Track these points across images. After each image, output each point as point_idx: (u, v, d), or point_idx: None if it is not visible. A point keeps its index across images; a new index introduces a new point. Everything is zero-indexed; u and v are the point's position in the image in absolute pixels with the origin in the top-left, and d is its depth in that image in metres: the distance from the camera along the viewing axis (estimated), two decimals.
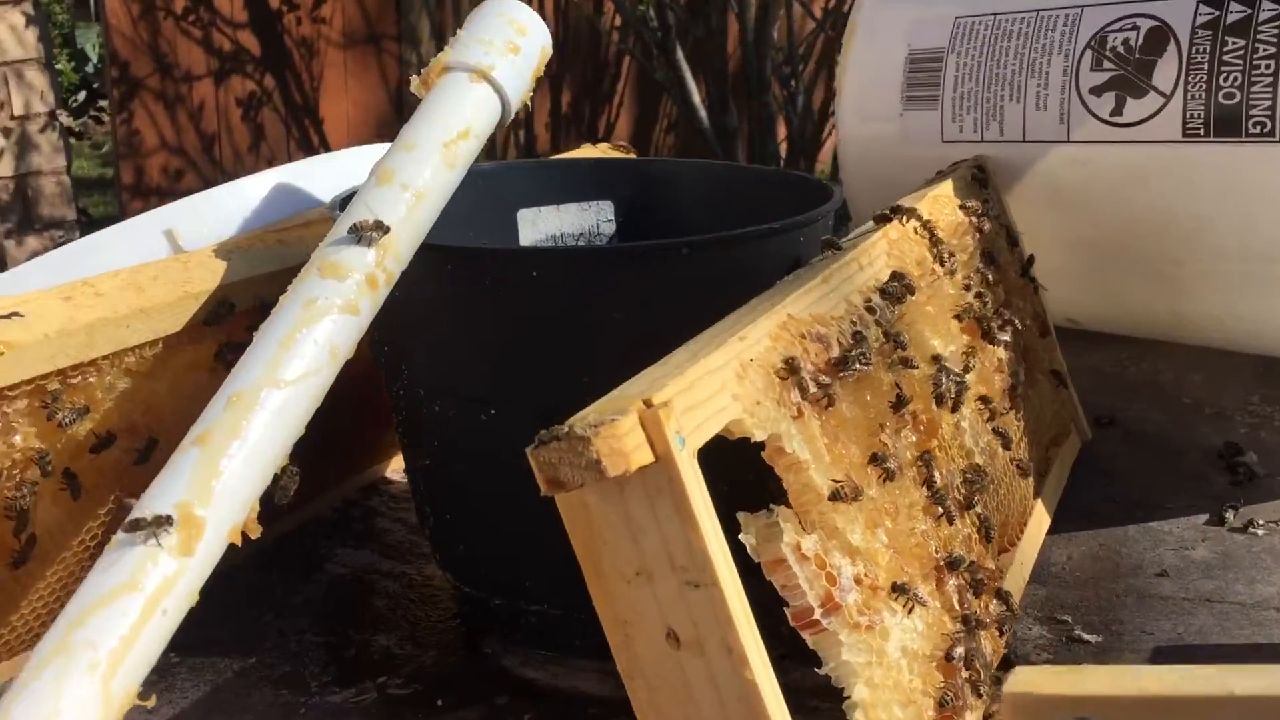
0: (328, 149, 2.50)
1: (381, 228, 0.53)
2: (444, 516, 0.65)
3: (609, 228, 0.80)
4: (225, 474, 0.46)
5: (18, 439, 0.56)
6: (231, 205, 0.68)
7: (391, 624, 0.69)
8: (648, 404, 0.38)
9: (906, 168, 0.88)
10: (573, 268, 0.57)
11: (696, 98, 2.74)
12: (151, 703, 0.44)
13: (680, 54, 2.66)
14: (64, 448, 0.58)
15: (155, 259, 0.63)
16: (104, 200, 3.64)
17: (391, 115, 2.53)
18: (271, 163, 2.51)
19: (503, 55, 0.61)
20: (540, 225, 0.79)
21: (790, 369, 0.45)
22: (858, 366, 0.49)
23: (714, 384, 0.42)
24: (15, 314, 0.54)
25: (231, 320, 0.64)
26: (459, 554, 0.66)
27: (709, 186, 0.78)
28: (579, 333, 0.57)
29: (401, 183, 0.56)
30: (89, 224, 2.45)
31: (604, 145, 0.95)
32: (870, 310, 0.55)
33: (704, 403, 0.41)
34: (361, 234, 0.53)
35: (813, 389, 0.46)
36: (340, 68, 2.50)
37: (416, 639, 0.68)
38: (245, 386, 0.48)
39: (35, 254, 2.23)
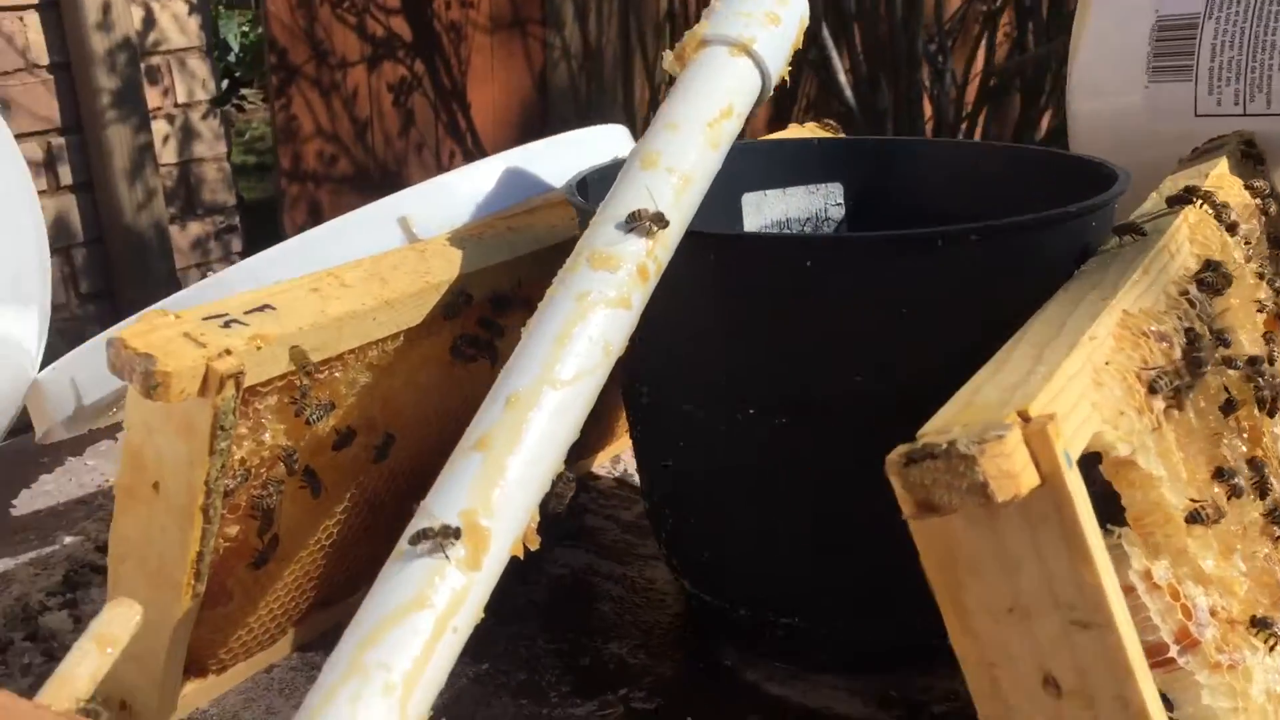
0: (475, 134, 2.50)
1: (661, 221, 0.49)
2: (685, 521, 0.62)
3: (837, 212, 0.75)
4: (508, 481, 0.43)
5: (267, 437, 0.54)
6: (462, 191, 0.65)
7: (621, 631, 0.66)
8: (1023, 417, 0.33)
9: (1150, 144, 0.80)
10: (849, 257, 0.52)
11: (842, 76, 2.65)
12: None
13: (825, 31, 2.58)
14: (306, 445, 0.56)
15: (389, 247, 0.61)
16: (248, 186, 3.73)
17: (536, 99, 2.51)
18: (421, 148, 2.52)
19: (763, 26, 0.56)
20: (765, 210, 0.75)
21: (1153, 374, 0.40)
22: (1207, 369, 0.43)
23: (1075, 392, 0.37)
24: (267, 306, 0.52)
25: (466, 313, 0.61)
26: (700, 561, 0.62)
27: (950, 167, 0.72)
28: (852, 328, 0.52)
29: (667, 166, 0.52)
30: (244, 208, 2.49)
31: (811, 125, 0.90)
32: (1191, 304, 0.49)
33: (1069, 414, 0.36)
34: (637, 224, 0.49)
35: (1169, 396, 0.40)
36: (487, 52, 2.49)
37: (649, 648, 0.64)
38: (523, 387, 0.45)
39: (198, 239, 2.28)
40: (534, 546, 0.45)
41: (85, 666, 0.38)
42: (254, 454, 0.54)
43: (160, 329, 0.49)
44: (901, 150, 0.75)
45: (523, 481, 0.43)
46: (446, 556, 0.41)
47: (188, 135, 2.25)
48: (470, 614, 0.41)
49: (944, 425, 0.34)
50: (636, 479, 0.83)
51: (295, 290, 0.54)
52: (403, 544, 0.41)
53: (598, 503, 0.80)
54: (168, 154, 2.24)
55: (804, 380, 0.54)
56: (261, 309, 0.52)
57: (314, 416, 0.55)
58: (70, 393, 0.66)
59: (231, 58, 4.78)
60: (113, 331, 0.50)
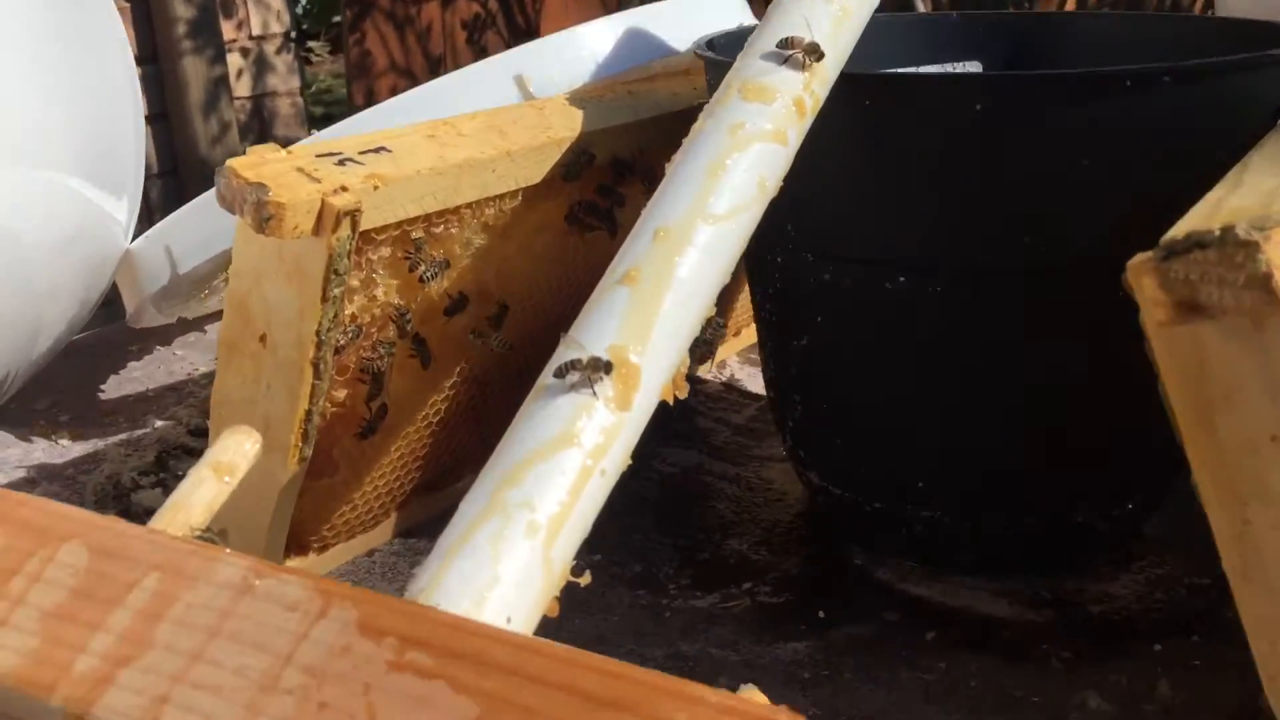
0: None
1: (816, 52, 0.44)
2: (818, 405, 0.57)
3: None
4: (659, 317, 0.39)
5: (379, 292, 0.51)
6: (579, 50, 0.61)
7: (740, 528, 0.62)
8: None
9: None
10: (1026, 98, 0.47)
11: (922, 6, 2.56)
12: (585, 579, 0.37)
13: None
14: (418, 309, 0.52)
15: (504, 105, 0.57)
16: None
17: None
18: None
19: None
20: None
21: None
22: None
23: None
24: (383, 148, 0.48)
25: (586, 176, 0.56)
26: (833, 450, 0.57)
27: (1103, 40, 0.66)
28: (1024, 182, 0.47)
29: None
30: None
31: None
32: None
33: None
34: (791, 54, 0.44)
35: None
36: None
37: (771, 545, 0.60)
38: (672, 220, 0.41)
39: None
40: (683, 395, 0.41)
41: (201, 494, 0.34)
42: (365, 310, 0.50)
43: (271, 163, 0.45)
44: (1048, 24, 0.70)
45: (674, 320, 0.39)
46: (594, 393, 0.37)
47: (262, 68, 2.23)
48: (619, 457, 0.37)
49: (1201, 223, 0.29)
50: (744, 384, 0.79)
51: (411, 135, 0.50)
52: (546, 377, 0.37)
53: (705, 405, 0.76)
54: (242, 87, 2.22)
55: (966, 241, 0.49)
56: (377, 150, 0.48)
57: (428, 274, 0.51)
58: (164, 262, 0.62)
59: (298, 9, 4.77)
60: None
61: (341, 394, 0.52)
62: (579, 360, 0.37)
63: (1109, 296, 0.49)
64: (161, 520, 0.34)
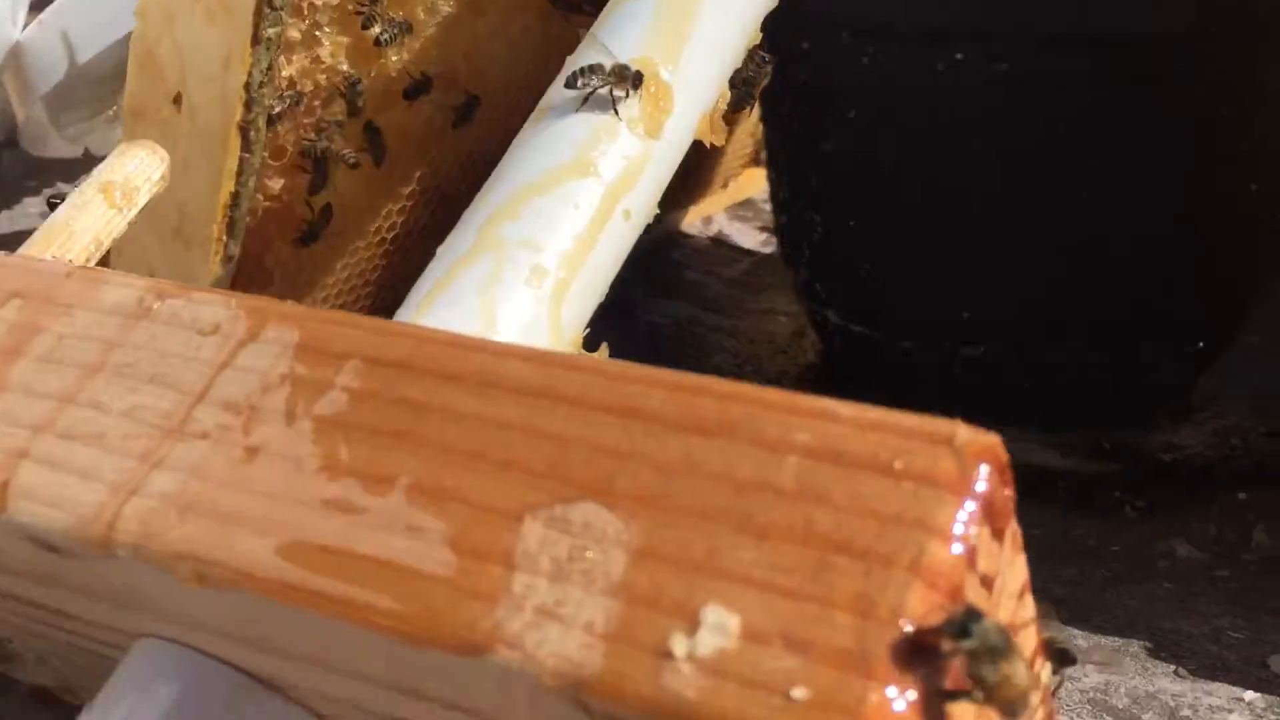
0: None
1: None
2: (843, 225, 0.49)
3: None
4: (695, 28, 0.30)
5: (324, 52, 0.41)
6: None
7: (743, 379, 0.54)
8: None
9: None
10: None
11: None
12: (603, 353, 0.28)
13: None
14: (372, 88, 0.43)
15: None
16: None
17: None
18: None
19: None
20: None
21: None
22: None
23: None
24: None
25: None
26: (858, 279, 0.49)
27: None
28: None
29: None
30: None
31: None
32: None
33: None
34: None
35: None
36: None
37: None
38: None
39: None
40: (720, 141, 0.32)
41: (85, 221, 0.25)
42: (307, 75, 0.41)
43: None
44: None
45: (713, 34, 0.30)
46: (616, 112, 0.28)
47: None
48: (646, 199, 0.29)
49: None
50: (734, 239, 0.70)
51: None
52: (555, 91, 0.29)
53: (692, 259, 0.67)
54: None
55: (1041, 8, 0.41)
56: None
57: (385, 36, 0.42)
58: (60, 51, 0.52)
59: None
60: None
61: (277, 184, 0.42)
62: (600, 66, 0.28)
63: (1215, 77, 0.42)
64: (33, 247, 0.25)
